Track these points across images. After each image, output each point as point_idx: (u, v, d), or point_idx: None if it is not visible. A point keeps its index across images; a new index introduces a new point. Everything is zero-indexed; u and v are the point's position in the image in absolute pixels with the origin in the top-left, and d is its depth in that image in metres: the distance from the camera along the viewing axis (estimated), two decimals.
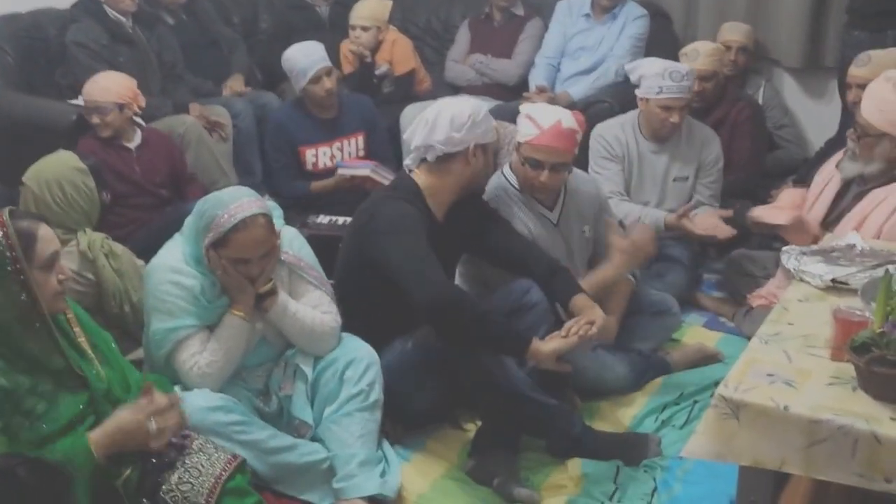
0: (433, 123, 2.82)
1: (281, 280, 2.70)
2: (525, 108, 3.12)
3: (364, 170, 4.08)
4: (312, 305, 2.72)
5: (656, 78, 3.71)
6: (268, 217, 2.56)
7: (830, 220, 3.21)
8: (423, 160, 2.87)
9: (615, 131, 3.88)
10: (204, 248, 2.54)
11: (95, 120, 3.81)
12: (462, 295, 2.73)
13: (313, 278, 2.77)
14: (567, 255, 3.19)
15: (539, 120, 3.00)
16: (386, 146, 4.41)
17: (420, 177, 2.89)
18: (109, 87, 3.85)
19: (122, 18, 4.55)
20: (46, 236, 2.10)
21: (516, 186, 3.16)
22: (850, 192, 3.20)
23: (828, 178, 3.30)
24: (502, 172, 3.20)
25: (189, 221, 2.62)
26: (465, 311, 2.62)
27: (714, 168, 3.89)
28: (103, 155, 3.74)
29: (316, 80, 4.11)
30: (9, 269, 2.02)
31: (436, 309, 2.61)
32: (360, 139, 4.17)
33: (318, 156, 4.13)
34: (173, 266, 2.59)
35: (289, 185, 4.24)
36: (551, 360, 2.66)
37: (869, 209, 3.06)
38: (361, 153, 4.22)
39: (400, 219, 2.74)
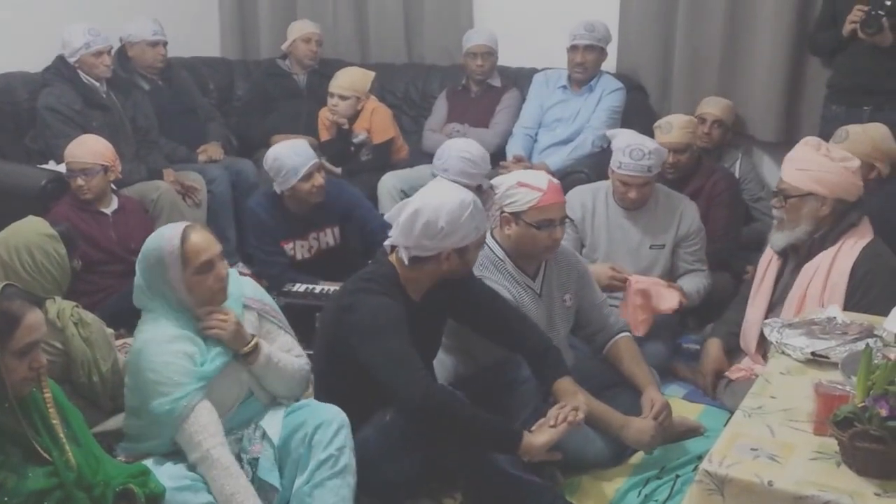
0: (406, 226, 2.69)
1: (252, 326, 2.70)
2: (508, 178, 3.11)
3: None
4: (285, 350, 2.74)
5: (619, 152, 3.76)
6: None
7: (776, 301, 3.24)
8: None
9: (583, 197, 3.92)
10: (184, 280, 2.56)
11: (79, 182, 3.78)
12: (449, 395, 2.66)
13: (280, 321, 2.80)
14: (549, 325, 3.17)
15: (534, 183, 3.04)
16: (357, 236, 4.25)
17: (396, 262, 2.79)
18: (96, 148, 3.85)
19: (97, 83, 4.55)
20: (31, 324, 2.05)
21: (500, 256, 3.14)
22: (787, 268, 3.25)
23: (767, 260, 3.34)
24: (486, 242, 3.15)
25: (152, 285, 2.62)
26: (453, 411, 2.59)
27: (697, 237, 3.91)
28: (77, 221, 3.69)
29: (308, 176, 3.93)
30: None
31: (422, 411, 2.57)
32: (336, 230, 4.12)
33: (296, 249, 4.08)
34: (169, 335, 2.55)
35: (282, 273, 4.08)
36: (543, 452, 2.63)
37: (805, 284, 3.11)
38: (337, 241, 4.16)
39: (378, 316, 2.65)
